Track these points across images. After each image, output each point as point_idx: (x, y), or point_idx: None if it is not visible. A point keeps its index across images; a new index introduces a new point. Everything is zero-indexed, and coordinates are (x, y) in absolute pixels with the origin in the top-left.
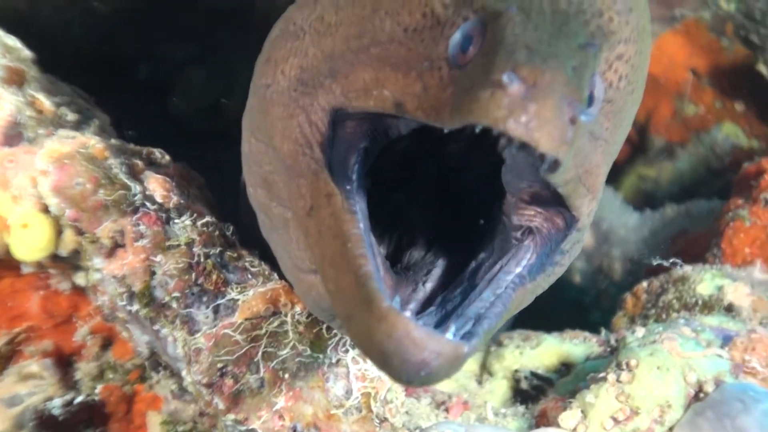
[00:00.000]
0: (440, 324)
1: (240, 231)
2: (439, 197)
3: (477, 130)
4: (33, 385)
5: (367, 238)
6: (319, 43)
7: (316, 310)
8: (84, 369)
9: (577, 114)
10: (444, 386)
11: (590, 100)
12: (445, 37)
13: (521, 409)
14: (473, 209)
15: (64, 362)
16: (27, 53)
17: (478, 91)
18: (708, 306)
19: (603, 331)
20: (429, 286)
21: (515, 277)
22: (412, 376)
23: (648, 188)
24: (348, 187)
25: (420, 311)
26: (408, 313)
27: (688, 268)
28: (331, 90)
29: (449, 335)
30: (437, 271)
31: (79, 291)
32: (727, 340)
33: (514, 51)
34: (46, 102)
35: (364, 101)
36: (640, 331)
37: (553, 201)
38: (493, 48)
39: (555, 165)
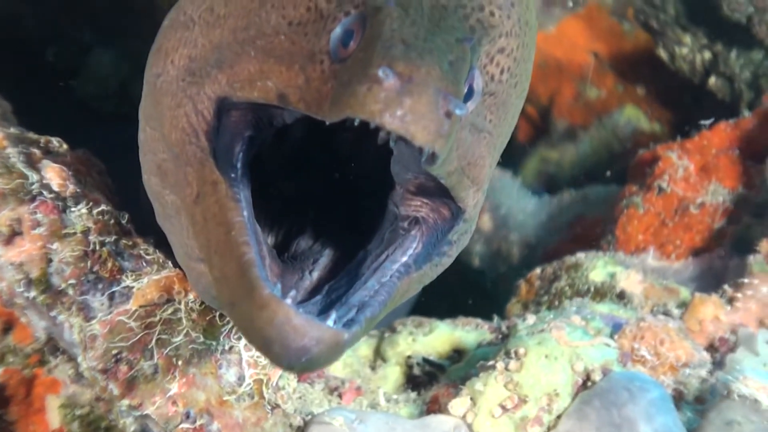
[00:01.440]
0: (324, 312)
1: (141, 218)
2: (330, 187)
3: (356, 124)
4: None
5: (250, 225)
6: (208, 34)
7: (207, 298)
8: None
9: (453, 108)
10: (338, 372)
11: (469, 94)
12: (327, 32)
13: (413, 395)
14: (364, 200)
15: None
16: None
17: (355, 85)
18: (600, 293)
19: (495, 318)
20: (315, 275)
21: (400, 266)
22: (293, 361)
23: (550, 170)
24: (233, 175)
25: (306, 300)
26: (289, 301)
27: (581, 255)
28: (217, 80)
29: (330, 322)
30: (324, 261)
31: None
32: (617, 328)
33: (391, 46)
34: None
35: (249, 92)
36: (530, 319)
37: (439, 192)
38: (370, 43)
39: (433, 157)
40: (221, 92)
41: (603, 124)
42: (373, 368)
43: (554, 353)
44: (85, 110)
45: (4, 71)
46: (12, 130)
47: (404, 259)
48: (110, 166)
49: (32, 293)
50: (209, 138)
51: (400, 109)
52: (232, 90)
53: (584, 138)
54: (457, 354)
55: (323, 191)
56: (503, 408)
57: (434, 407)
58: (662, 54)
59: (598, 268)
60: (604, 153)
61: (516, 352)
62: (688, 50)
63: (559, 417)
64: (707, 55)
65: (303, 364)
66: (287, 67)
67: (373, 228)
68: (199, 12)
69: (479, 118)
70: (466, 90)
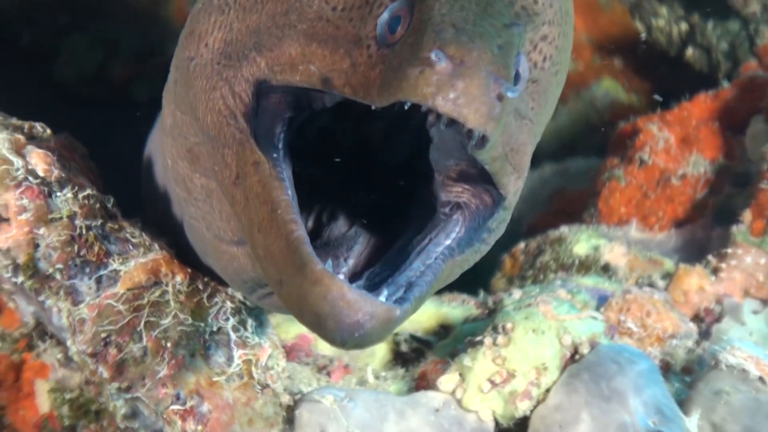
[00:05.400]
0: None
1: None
2: (359, 173)
3: (406, 108)
4: None
5: (295, 204)
6: (245, 18)
7: (236, 282)
8: None
9: (504, 90)
10: (326, 350)
11: (516, 78)
12: (374, 17)
13: (401, 371)
14: (395, 186)
15: None
16: None
17: (407, 69)
18: (585, 266)
19: (481, 294)
20: (351, 262)
21: (444, 248)
22: (346, 337)
23: None
24: (275, 155)
25: None
26: (342, 276)
27: (564, 229)
28: (256, 62)
29: (382, 298)
30: (358, 248)
31: None
32: (602, 301)
33: (441, 30)
34: None
35: (290, 75)
36: (516, 294)
37: (480, 179)
38: (420, 27)
39: (483, 141)
40: (260, 75)
41: (581, 97)
42: None
43: (542, 327)
44: (62, 94)
45: None
46: None
47: (447, 242)
48: (92, 150)
49: (20, 278)
50: (248, 119)
51: (452, 91)
52: (272, 73)
53: (562, 111)
54: (444, 330)
55: (350, 178)
56: (492, 383)
57: (423, 383)
58: (639, 26)
59: (581, 241)
60: (582, 125)
61: (504, 327)
62: (665, 22)
63: (548, 391)
64: (684, 26)
65: (355, 339)
66: (331, 52)
67: (405, 214)
68: None
69: (522, 104)
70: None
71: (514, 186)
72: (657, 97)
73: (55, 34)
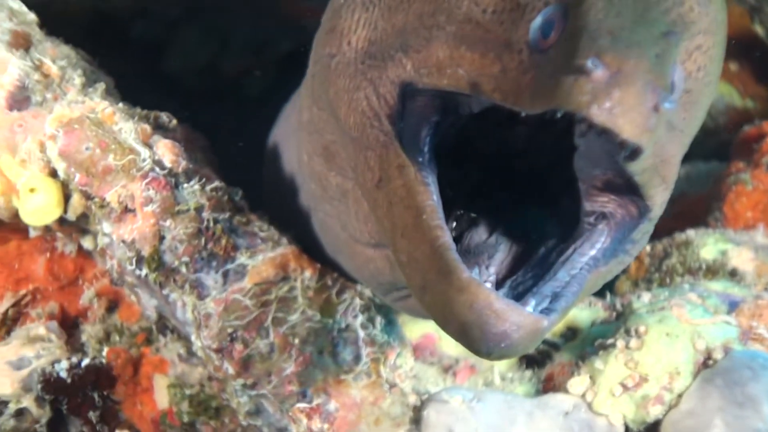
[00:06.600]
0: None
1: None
2: (497, 179)
3: (558, 116)
4: (40, 347)
5: (440, 210)
6: (390, 18)
7: (372, 284)
8: (90, 331)
9: (661, 101)
10: (451, 350)
11: (671, 89)
12: (526, 21)
13: (528, 373)
14: (535, 193)
15: (69, 324)
16: (32, 16)
17: (561, 76)
18: (712, 270)
19: (608, 296)
20: (492, 270)
21: (590, 259)
22: (492, 347)
23: None
24: (420, 159)
25: None
26: (489, 285)
27: (691, 232)
28: (402, 64)
29: (529, 308)
30: (500, 256)
31: (85, 254)
32: (732, 306)
33: (598, 37)
34: (52, 66)
35: (437, 79)
36: (645, 296)
37: (627, 189)
38: (575, 33)
39: (636, 153)
40: (406, 77)
41: None
42: None
43: (675, 331)
44: (170, 87)
45: (93, 47)
46: (120, 105)
47: (592, 252)
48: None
49: (143, 271)
50: (392, 122)
51: (608, 101)
52: (418, 76)
53: None
54: (571, 332)
55: (490, 184)
56: (624, 387)
57: (549, 385)
58: (758, 29)
59: (708, 245)
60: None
61: (636, 330)
62: None
63: (680, 396)
64: None
65: (501, 350)
66: (481, 55)
67: (545, 223)
68: None
69: (674, 115)
70: None
71: (661, 197)
72: None
73: (166, 26)
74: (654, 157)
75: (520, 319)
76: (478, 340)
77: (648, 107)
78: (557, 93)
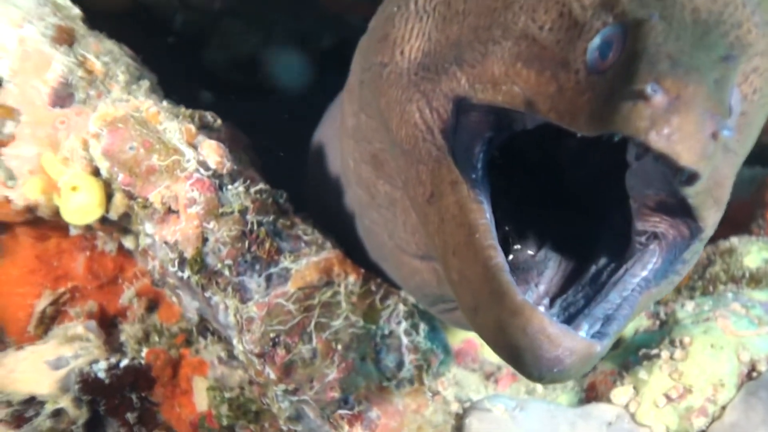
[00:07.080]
0: (566, 324)
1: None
2: (545, 193)
3: (615, 140)
4: (78, 347)
5: (493, 229)
6: (444, 29)
7: (417, 294)
8: (129, 331)
9: (719, 128)
10: (493, 357)
11: (729, 113)
12: (584, 41)
13: (570, 382)
14: (583, 210)
15: (108, 324)
16: (76, 11)
17: (619, 100)
18: (755, 279)
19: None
20: (542, 288)
21: (641, 280)
22: (545, 372)
23: None
24: (473, 176)
25: None
26: (542, 309)
27: (734, 240)
28: (456, 78)
29: (582, 333)
30: (549, 273)
31: (125, 253)
32: None
33: (657, 61)
34: (96, 62)
35: (492, 95)
36: (689, 305)
37: (679, 210)
38: (634, 57)
39: (693, 178)
40: (460, 92)
41: None
42: None
43: (720, 343)
44: (211, 81)
45: (134, 40)
46: (164, 104)
47: (644, 273)
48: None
49: (186, 273)
50: (446, 136)
51: (667, 127)
52: (473, 91)
53: None
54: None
55: (538, 199)
56: (668, 398)
57: (592, 394)
58: None
59: (752, 253)
60: None
61: (681, 341)
62: None
63: (723, 408)
64: None
65: (554, 375)
66: (537, 73)
67: (596, 240)
68: (433, 4)
69: (730, 138)
70: None
71: (713, 219)
72: None
73: (208, 19)
74: (708, 180)
75: (574, 344)
76: (531, 364)
77: (706, 134)
78: (615, 117)
